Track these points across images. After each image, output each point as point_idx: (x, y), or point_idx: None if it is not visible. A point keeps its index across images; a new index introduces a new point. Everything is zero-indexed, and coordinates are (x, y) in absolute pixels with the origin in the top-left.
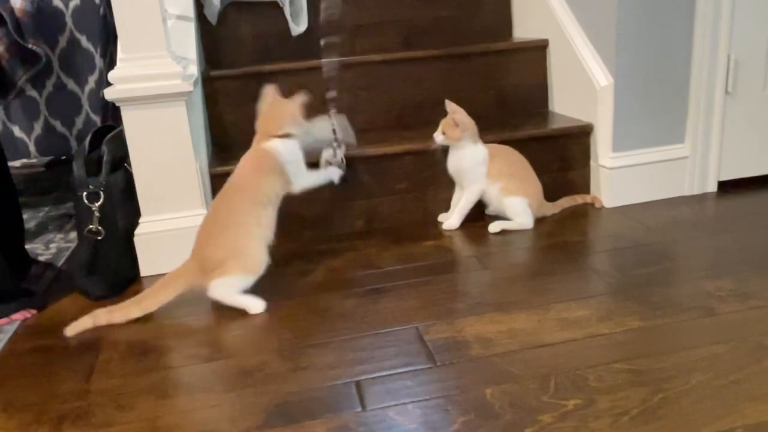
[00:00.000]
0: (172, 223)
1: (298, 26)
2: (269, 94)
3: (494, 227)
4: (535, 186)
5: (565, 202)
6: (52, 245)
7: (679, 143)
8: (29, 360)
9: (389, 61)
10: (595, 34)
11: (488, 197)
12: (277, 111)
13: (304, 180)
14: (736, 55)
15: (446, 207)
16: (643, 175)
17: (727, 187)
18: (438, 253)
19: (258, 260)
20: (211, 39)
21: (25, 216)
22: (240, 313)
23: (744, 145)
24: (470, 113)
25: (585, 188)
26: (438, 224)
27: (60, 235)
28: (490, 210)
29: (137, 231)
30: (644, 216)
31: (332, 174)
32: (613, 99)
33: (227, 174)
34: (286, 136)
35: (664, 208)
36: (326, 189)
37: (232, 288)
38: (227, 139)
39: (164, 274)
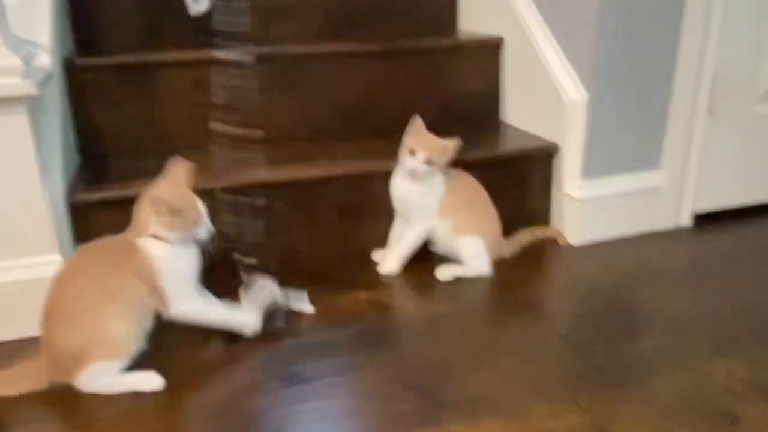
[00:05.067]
0: (8, 274)
1: (198, 5)
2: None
3: (444, 274)
4: (493, 222)
5: (524, 238)
6: None
7: (654, 169)
8: None
9: (313, 54)
10: (567, 36)
11: (437, 236)
12: (147, 204)
13: (188, 305)
14: (721, 72)
15: (383, 240)
16: (614, 208)
17: (700, 220)
18: (376, 311)
19: (122, 342)
20: (84, 15)
21: None
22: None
23: (723, 173)
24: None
25: (545, 219)
26: (373, 264)
27: None
28: (438, 248)
29: None
30: (617, 258)
31: (246, 320)
32: (586, 116)
33: (95, 204)
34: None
35: (638, 248)
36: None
37: (106, 375)
38: (100, 149)
39: None
